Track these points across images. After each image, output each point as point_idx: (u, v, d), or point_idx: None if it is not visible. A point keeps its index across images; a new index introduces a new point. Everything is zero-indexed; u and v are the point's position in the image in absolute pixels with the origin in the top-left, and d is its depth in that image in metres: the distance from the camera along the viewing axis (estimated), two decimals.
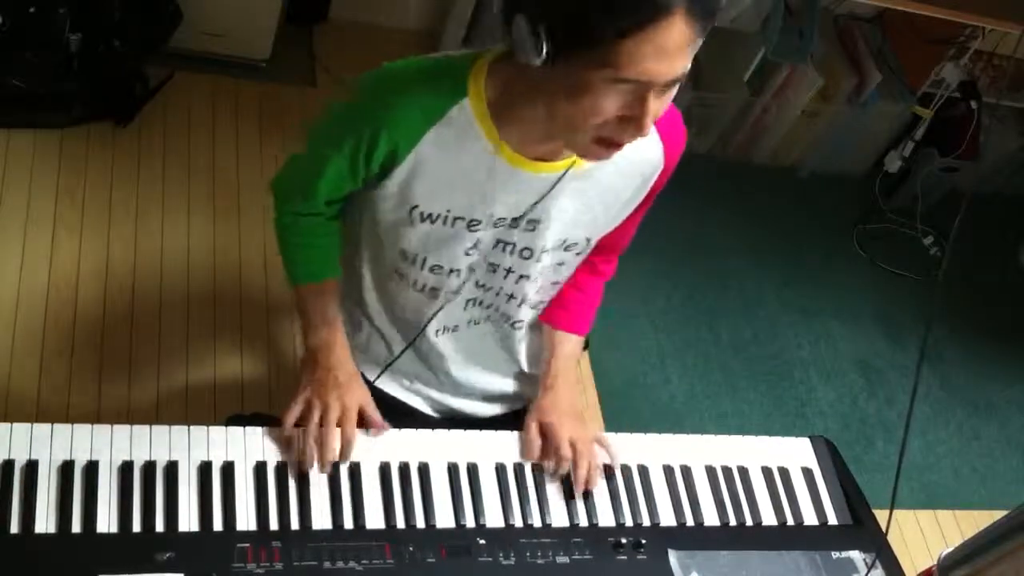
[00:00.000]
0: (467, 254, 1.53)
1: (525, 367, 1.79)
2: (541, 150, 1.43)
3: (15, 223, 2.66)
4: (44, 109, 2.83)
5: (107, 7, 2.73)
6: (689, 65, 1.23)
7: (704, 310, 3.22)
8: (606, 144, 1.30)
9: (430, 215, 1.48)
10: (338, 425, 1.51)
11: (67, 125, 2.86)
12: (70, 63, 2.74)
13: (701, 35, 1.21)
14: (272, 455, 1.48)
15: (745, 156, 3.65)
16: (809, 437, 1.79)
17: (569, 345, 1.73)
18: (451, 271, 1.56)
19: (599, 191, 1.51)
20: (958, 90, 3.42)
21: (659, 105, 1.26)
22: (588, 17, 1.17)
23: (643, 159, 1.51)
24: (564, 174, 1.45)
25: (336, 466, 1.49)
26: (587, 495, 1.58)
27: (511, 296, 1.64)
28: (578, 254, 1.61)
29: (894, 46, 3.52)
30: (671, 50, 1.19)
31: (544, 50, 1.21)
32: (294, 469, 1.47)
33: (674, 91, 1.27)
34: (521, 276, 1.60)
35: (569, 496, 1.57)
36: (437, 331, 1.68)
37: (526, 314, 1.70)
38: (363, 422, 1.55)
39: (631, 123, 1.26)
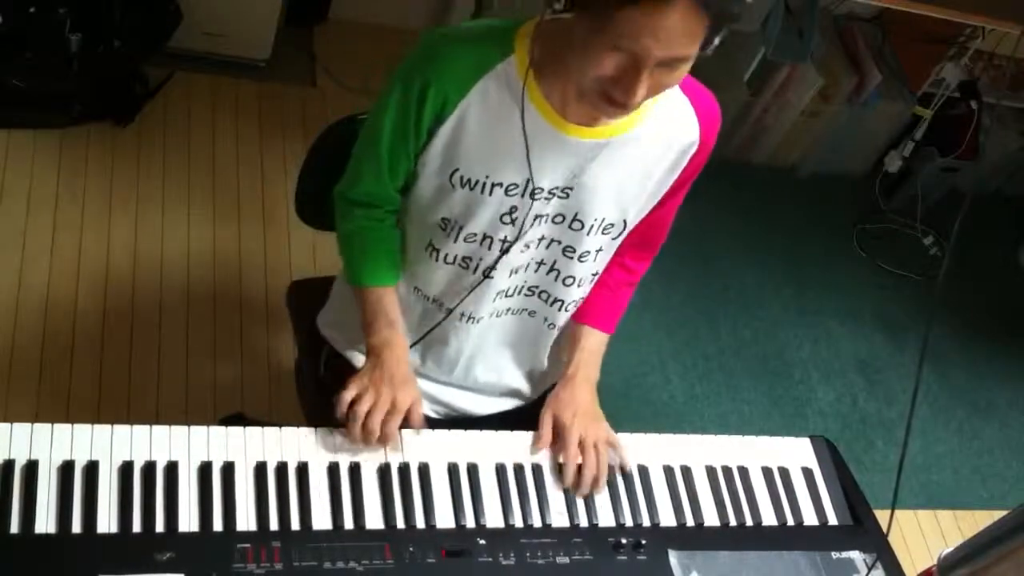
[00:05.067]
0: (502, 221, 1.54)
1: (544, 365, 1.79)
2: (579, 113, 1.45)
3: (15, 223, 2.66)
4: (44, 109, 2.83)
5: (107, 7, 2.73)
6: (694, 51, 1.28)
7: (704, 310, 3.22)
8: (607, 99, 1.34)
9: (469, 180, 1.50)
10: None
11: (67, 125, 2.87)
12: (70, 63, 2.74)
13: (713, 27, 1.26)
14: (272, 455, 1.48)
15: (745, 156, 3.65)
16: (809, 437, 1.79)
17: (593, 340, 1.73)
18: (485, 238, 1.56)
19: (635, 163, 1.53)
20: (958, 90, 3.42)
21: (661, 78, 1.31)
22: None
23: (679, 133, 1.53)
24: (608, 143, 1.47)
25: (336, 466, 1.49)
26: (588, 495, 1.58)
27: (558, 277, 1.64)
28: (614, 239, 1.61)
29: (894, 46, 3.52)
30: (669, 31, 1.24)
31: (561, 4, 1.28)
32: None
33: (681, 70, 1.32)
34: (567, 254, 1.60)
35: (569, 496, 1.57)
36: (463, 315, 1.67)
37: (568, 308, 1.70)
38: (406, 422, 1.57)
39: (621, 85, 1.31)
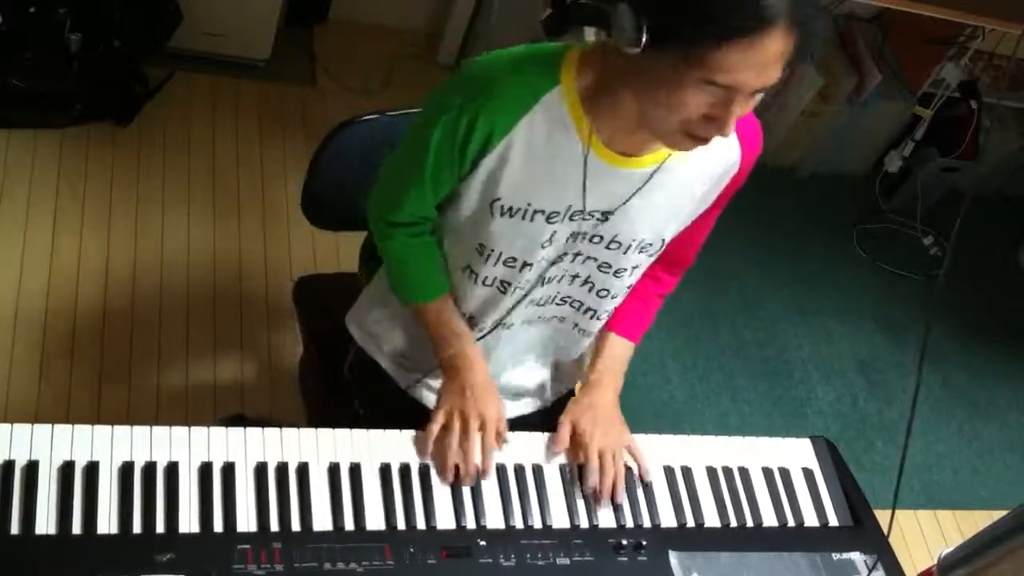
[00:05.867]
0: (542, 247, 1.53)
1: (571, 368, 1.79)
2: (628, 144, 1.44)
3: (15, 223, 2.66)
4: (44, 109, 2.83)
5: (107, 7, 2.73)
6: (780, 75, 1.25)
7: (704, 310, 3.22)
8: (692, 138, 1.32)
9: (510, 208, 1.48)
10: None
11: (67, 125, 2.87)
12: (70, 63, 2.74)
13: (802, 47, 1.23)
14: (272, 455, 1.48)
15: None
16: (809, 437, 1.79)
17: (619, 349, 1.73)
18: (524, 264, 1.55)
19: (677, 188, 1.51)
20: (958, 90, 3.41)
21: (744, 108, 1.28)
22: (692, 18, 1.20)
23: (721, 159, 1.51)
24: (655, 170, 1.45)
25: (336, 467, 1.49)
26: (588, 496, 1.58)
27: (592, 289, 1.63)
28: (651, 256, 1.60)
29: (894, 46, 3.52)
30: (766, 62, 1.21)
31: (643, 42, 1.23)
32: (441, 476, 1.52)
33: (760, 96, 1.29)
34: (602, 270, 1.59)
35: (570, 497, 1.57)
36: (495, 322, 1.66)
37: (601, 317, 1.69)
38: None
39: (714, 123, 1.28)
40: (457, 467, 1.53)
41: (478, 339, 1.66)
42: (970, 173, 3.62)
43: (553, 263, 1.56)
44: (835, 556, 1.61)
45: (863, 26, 3.55)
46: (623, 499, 1.59)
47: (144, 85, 2.98)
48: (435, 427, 1.54)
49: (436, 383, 1.74)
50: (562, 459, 1.62)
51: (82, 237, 2.69)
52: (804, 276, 3.43)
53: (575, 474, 1.60)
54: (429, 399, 1.75)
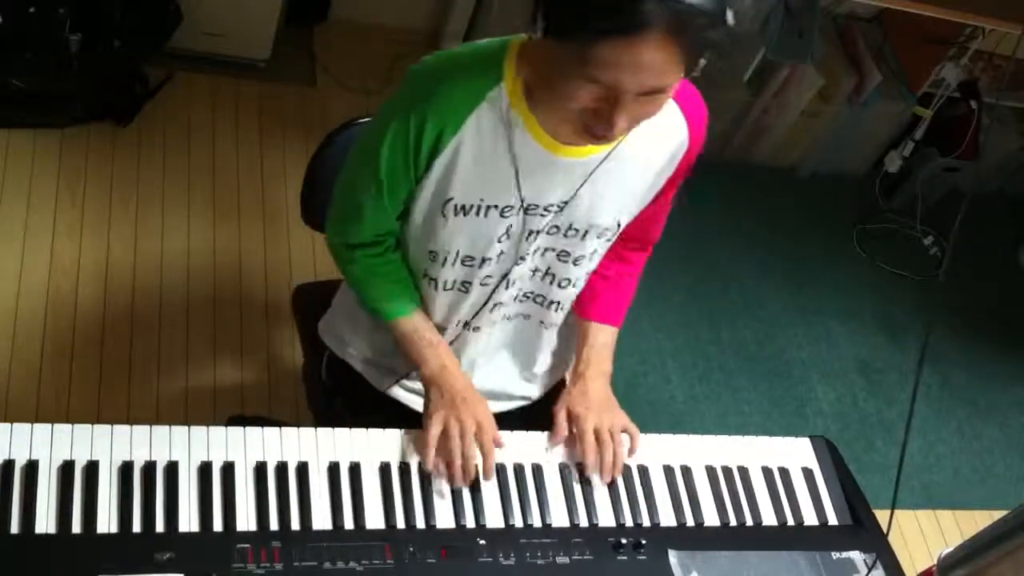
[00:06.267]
0: (498, 241, 1.54)
1: (539, 368, 1.80)
2: (571, 135, 1.44)
3: (15, 223, 2.66)
4: (44, 109, 2.83)
5: (107, 7, 2.73)
6: (672, 81, 1.26)
7: (704, 310, 3.22)
8: (588, 132, 1.34)
9: (463, 207, 1.49)
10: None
11: (67, 125, 2.87)
12: (70, 63, 2.74)
13: (692, 54, 1.24)
14: (272, 455, 1.48)
15: (745, 156, 3.65)
16: (809, 437, 1.79)
17: (602, 335, 1.73)
18: (483, 260, 1.56)
19: (628, 173, 1.52)
20: (958, 90, 3.42)
21: (640, 109, 1.29)
22: (574, 13, 1.22)
23: (669, 136, 1.52)
24: (604, 158, 1.46)
25: (336, 466, 1.49)
26: (588, 495, 1.58)
27: (554, 281, 1.64)
28: (608, 240, 1.61)
29: (894, 46, 3.52)
30: (644, 64, 1.22)
31: (539, 26, 1.26)
32: (443, 480, 1.53)
33: (661, 99, 1.30)
34: (561, 259, 1.60)
35: (569, 496, 1.57)
36: (458, 322, 1.68)
37: (564, 307, 1.69)
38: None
39: (600, 118, 1.29)
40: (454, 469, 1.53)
41: (448, 343, 1.67)
42: (970, 173, 3.62)
43: (516, 264, 1.57)
44: (834, 555, 1.61)
45: (863, 26, 3.55)
46: (620, 476, 1.60)
47: (144, 85, 2.98)
48: (434, 432, 1.54)
49: (413, 384, 1.76)
50: (561, 458, 1.62)
51: (82, 237, 2.69)
52: (804, 276, 3.43)
53: (575, 472, 1.60)
54: (407, 398, 1.77)
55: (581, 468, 1.61)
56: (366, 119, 1.85)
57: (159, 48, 2.93)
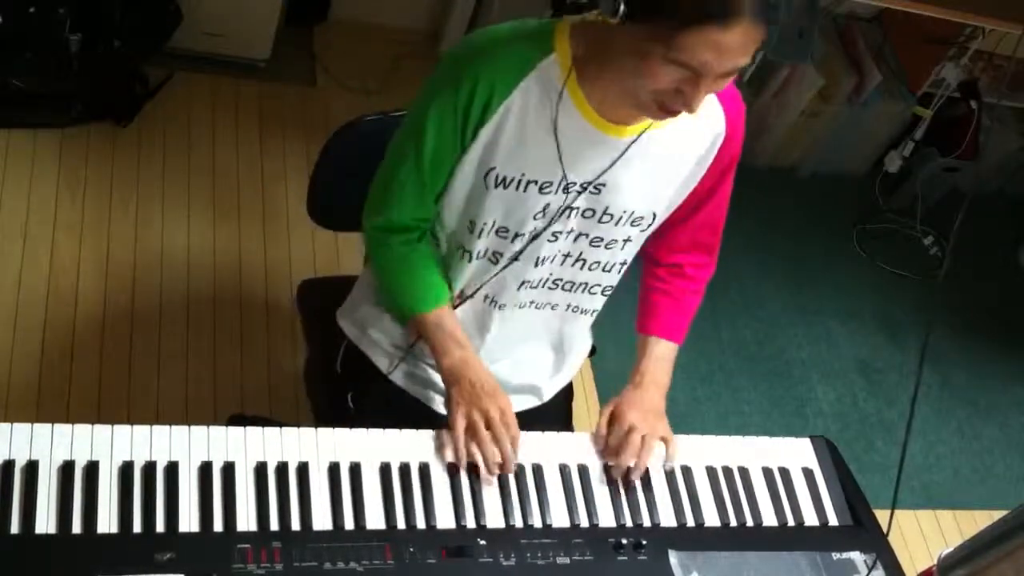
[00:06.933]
0: (534, 218, 1.55)
1: (571, 359, 1.80)
2: (620, 113, 1.47)
3: (15, 223, 2.66)
4: (44, 109, 2.83)
5: (107, 7, 2.73)
6: (748, 60, 1.31)
7: (704, 310, 3.19)
8: (662, 108, 1.37)
9: (504, 179, 1.50)
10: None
11: (67, 125, 2.87)
12: (70, 63, 2.74)
13: (764, 35, 1.29)
14: (272, 455, 1.48)
15: (745, 156, 3.62)
16: (809, 437, 1.78)
17: (660, 348, 1.74)
18: (516, 235, 1.57)
19: (664, 159, 1.54)
20: (958, 90, 3.42)
21: (714, 87, 1.34)
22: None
23: (706, 125, 1.55)
24: (638, 137, 1.48)
25: (336, 466, 1.49)
26: (588, 495, 1.58)
27: (584, 266, 1.64)
28: (643, 231, 1.62)
29: (894, 46, 3.52)
30: (730, 48, 1.27)
31: (620, 11, 1.28)
32: (467, 472, 1.54)
33: (732, 76, 1.35)
34: (594, 244, 1.61)
35: (570, 496, 1.57)
36: (485, 297, 1.67)
37: (592, 290, 1.69)
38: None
39: (682, 97, 1.33)
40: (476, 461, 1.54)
41: (461, 303, 1.67)
42: (970, 173, 3.62)
43: (546, 237, 1.57)
44: (835, 555, 1.61)
45: (863, 26, 3.55)
46: (636, 482, 1.60)
47: (144, 85, 2.98)
48: (460, 427, 1.55)
49: (426, 376, 1.76)
50: (562, 458, 1.62)
51: (82, 237, 2.69)
52: (804, 276, 3.43)
53: (576, 472, 1.60)
54: (419, 393, 1.77)
55: (607, 467, 1.61)
56: (372, 117, 1.86)
57: (159, 48, 2.93)
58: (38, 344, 2.48)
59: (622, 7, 1.28)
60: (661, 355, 1.73)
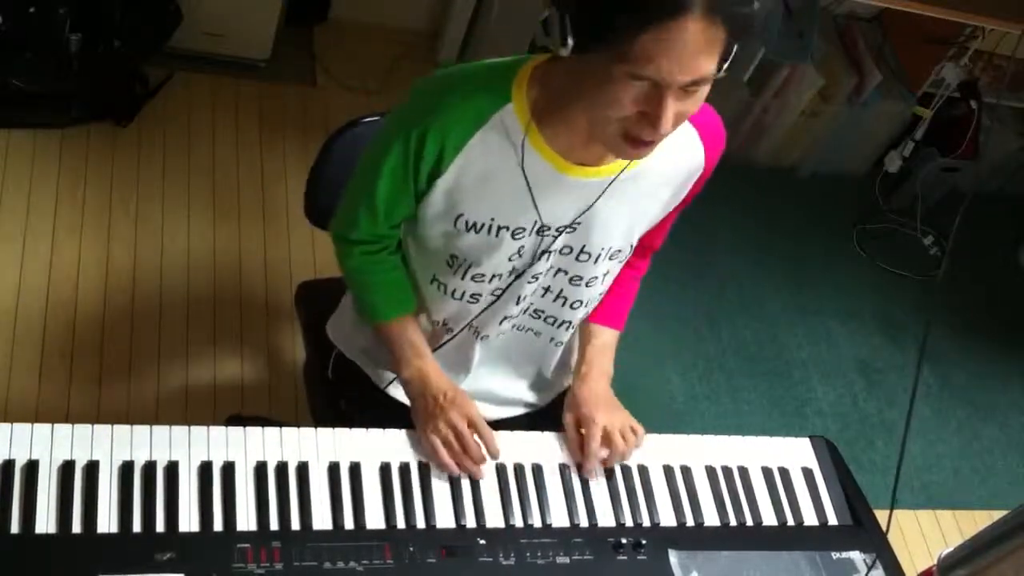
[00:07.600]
0: (509, 260, 1.54)
1: (549, 379, 1.80)
2: (585, 155, 1.43)
3: (15, 223, 2.66)
4: (44, 109, 2.83)
5: (107, 7, 2.73)
6: (715, 67, 1.23)
7: (704, 310, 3.22)
8: (632, 141, 1.31)
9: (475, 224, 1.49)
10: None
11: (67, 125, 2.87)
12: (70, 63, 2.74)
13: (731, 35, 1.22)
14: (272, 455, 1.48)
15: (745, 156, 3.65)
16: (809, 437, 1.79)
17: (603, 337, 1.73)
18: (493, 276, 1.56)
19: (641, 194, 1.51)
20: (958, 90, 3.41)
21: (683, 106, 1.26)
22: (605, 11, 1.20)
23: (685, 162, 1.52)
24: (614, 179, 1.45)
25: (336, 466, 1.49)
26: (588, 495, 1.58)
27: (565, 303, 1.64)
28: (620, 262, 1.62)
29: (894, 46, 3.52)
30: (686, 51, 1.19)
31: (569, 41, 1.24)
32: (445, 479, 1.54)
33: (702, 92, 1.27)
34: (574, 283, 1.60)
35: (569, 496, 1.57)
36: (469, 327, 1.68)
37: (574, 326, 1.70)
38: None
39: (648, 121, 1.26)
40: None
41: (448, 340, 1.68)
42: (970, 173, 3.62)
43: (525, 280, 1.57)
44: (834, 555, 1.61)
45: (863, 26, 3.55)
46: (604, 489, 1.60)
47: (144, 85, 2.98)
48: (436, 447, 1.54)
49: None
50: (561, 458, 1.62)
51: (82, 237, 2.69)
52: (804, 276, 3.43)
53: (575, 472, 1.60)
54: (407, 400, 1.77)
55: (581, 468, 1.61)
56: (370, 118, 1.86)
57: (159, 48, 2.93)
58: (38, 344, 2.48)
59: (570, 38, 1.23)
60: (605, 343, 1.73)
